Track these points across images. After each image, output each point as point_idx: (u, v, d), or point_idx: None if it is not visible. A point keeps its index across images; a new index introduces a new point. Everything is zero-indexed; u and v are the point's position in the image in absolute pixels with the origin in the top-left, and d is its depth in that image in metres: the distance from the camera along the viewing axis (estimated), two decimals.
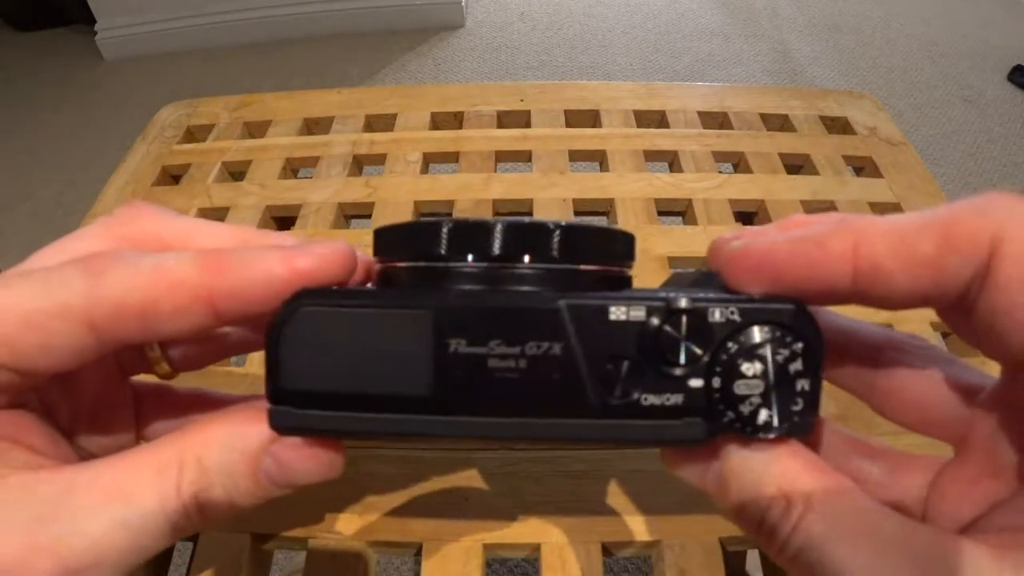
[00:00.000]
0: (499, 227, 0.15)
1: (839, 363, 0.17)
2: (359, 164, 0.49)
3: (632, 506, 0.28)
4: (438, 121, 0.52)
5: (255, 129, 0.52)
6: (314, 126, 0.53)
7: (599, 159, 0.49)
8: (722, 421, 0.14)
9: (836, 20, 1.99)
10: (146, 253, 0.15)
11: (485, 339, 0.14)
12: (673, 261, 0.40)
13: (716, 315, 0.14)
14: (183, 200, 0.45)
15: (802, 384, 0.14)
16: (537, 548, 0.27)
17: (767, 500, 0.13)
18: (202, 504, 0.14)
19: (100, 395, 0.19)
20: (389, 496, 0.29)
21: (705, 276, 0.17)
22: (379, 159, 0.48)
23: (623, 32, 1.95)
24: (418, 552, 0.27)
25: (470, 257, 0.15)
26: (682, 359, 0.14)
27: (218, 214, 0.45)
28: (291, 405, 0.14)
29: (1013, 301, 0.12)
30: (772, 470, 0.13)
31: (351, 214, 0.45)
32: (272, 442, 0.15)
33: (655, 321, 0.14)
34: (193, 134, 0.53)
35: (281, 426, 0.15)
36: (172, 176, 0.49)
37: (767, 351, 0.14)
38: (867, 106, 0.52)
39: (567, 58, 1.84)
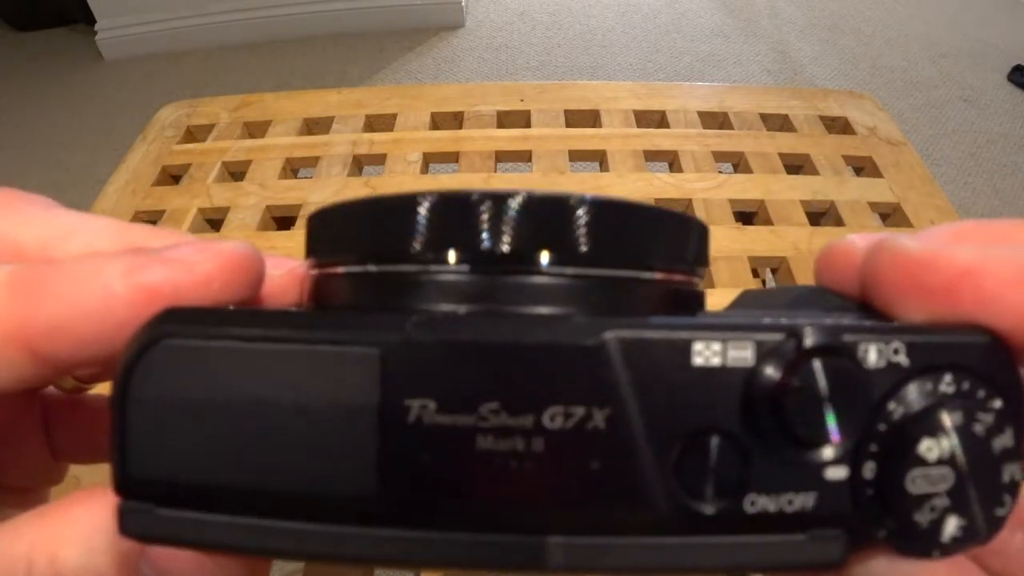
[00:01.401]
0: (501, 204, 0.09)
1: None
2: (359, 164, 0.49)
3: None
4: (438, 121, 0.52)
5: (255, 129, 0.52)
6: (314, 126, 0.53)
7: (599, 159, 0.49)
8: (876, 535, 0.09)
9: (836, 20, 1.99)
10: None
11: (471, 402, 0.08)
12: None
13: (872, 356, 0.08)
14: (183, 200, 0.45)
15: (1011, 472, 0.08)
16: None
17: None
18: None
19: (5, 420, 0.15)
20: None
21: (807, 294, 0.11)
22: (379, 159, 0.48)
23: (623, 32, 1.95)
24: None
25: (451, 256, 0.09)
26: (826, 433, 0.08)
27: (218, 214, 0.45)
28: (148, 500, 0.09)
29: None
30: None
31: None
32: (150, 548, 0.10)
33: (771, 370, 0.08)
34: (193, 134, 0.53)
35: (133, 533, 0.09)
36: (172, 176, 0.49)
37: (961, 420, 0.08)
38: (867, 106, 0.52)
39: (567, 58, 1.84)
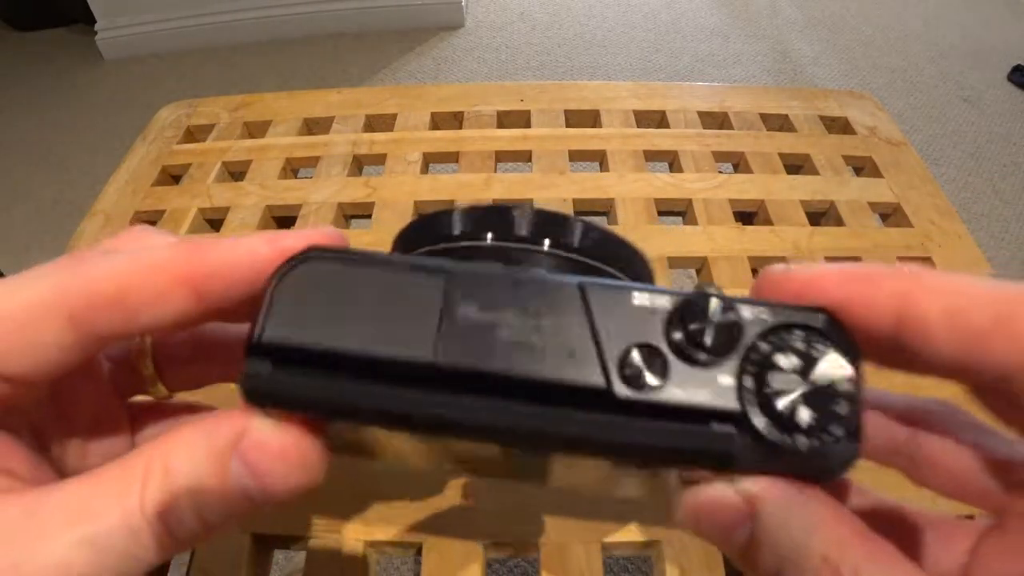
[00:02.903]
0: (525, 213, 0.15)
1: (877, 437, 0.16)
2: (359, 164, 0.49)
3: (632, 506, 0.28)
4: (438, 121, 0.52)
5: (255, 129, 0.52)
6: (314, 126, 0.53)
7: (599, 159, 0.49)
8: (757, 428, 0.12)
9: (836, 20, 1.99)
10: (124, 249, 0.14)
11: (497, 308, 0.13)
12: (673, 261, 0.40)
13: (746, 313, 0.13)
14: (183, 200, 0.45)
15: (843, 386, 0.12)
16: (537, 548, 0.27)
17: (811, 569, 0.12)
18: (169, 522, 0.13)
19: (95, 417, 0.18)
20: (389, 496, 0.29)
21: None
22: (379, 159, 0.48)
23: (623, 32, 1.95)
24: (418, 552, 0.27)
25: (489, 236, 0.15)
26: (710, 341, 0.12)
27: (218, 214, 0.45)
28: (269, 361, 0.13)
29: None
30: (816, 536, 0.12)
31: (351, 214, 0.45)
32: (239, 439, 0.13)
33: (682, 309, 0.13)
34: (193, 134, 0.53)
35: (251, 387, 0.13)
36: (172, 176, 0.49)
37: (804, 348, 0.12)
38: (867, 106, 0.52)
39: (567, 58, 1.84)
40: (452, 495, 0.29)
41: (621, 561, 0.86)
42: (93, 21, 1.93)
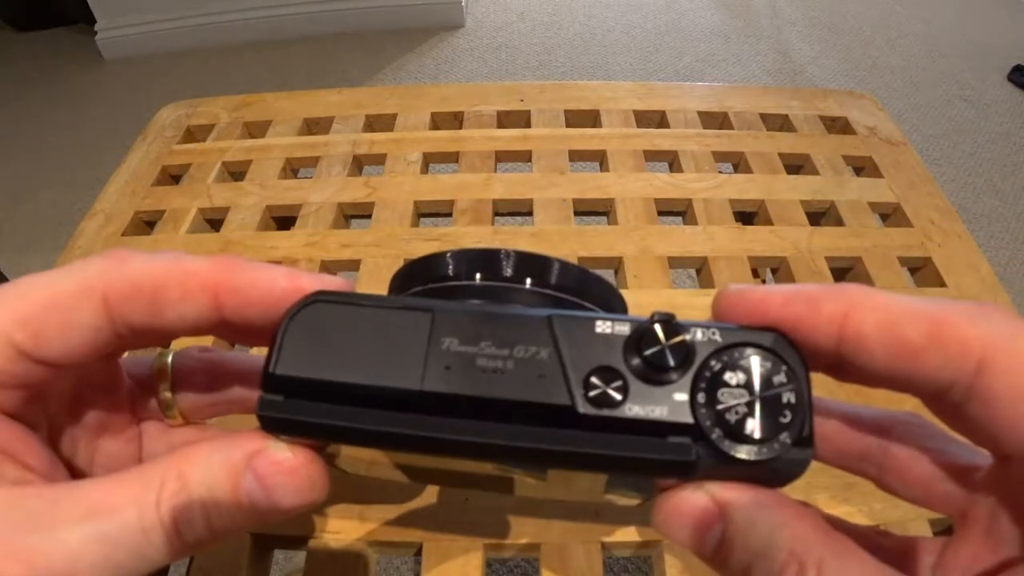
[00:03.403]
0: (509, 256, 0.17)
1: (848, 447, 0.17)
2: (359, 164, 0.49)
3: (632, 507, 0.28)
4: (438, 121, 0.52)
5: (255, 129, 0.52)
6: (314, 126, 0.53)
7: (599, 159, 0.49)
8: (710, 439, 0.13)
9: (836, 20, 1.99)
10: (165, 251, 0.16)
11: (476, 340, 0.14)
12: (673, 261, 0.40)
13: (699, 335, 0.14)
14: (183, 200, 0.45)
15: (788, 398, 0.14)
16: (537, 548, 0.27)
17: (779, 564, 0.13)
18: (180, 524, 0.14)
19: (109, 429, 0.19)
20: (389, 496, 0.29)
21: None
22: (379, 159, 0.48)
23: (623, 32, 1.95)
24: (418, 552, 0.27)
25: (478, 276, 0.17)
26: (668, 362, 0.14)
27: (218, 214, 0.45)
28: (282, 394, 0.14)
29: (1002, 413, 0.12)
30: (783, 533, 0.13)
31: (351, 214, 0.45)
32: (255, 456, 0.14)
33: (639, 334, 0.14)
34: (193, 134, 0.53)
35: (267, 414, 0.14)
36: (172, 176, 0.49)
37: (750, 365, 0.14)
38: (867, 106, 0.52)
39: (567, 58, 1.84)
40: (452, 495, 0.29)
41: (621, 561, 0.86)
42: (93, 21, 1.93)
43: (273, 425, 0.15)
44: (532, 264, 0.18)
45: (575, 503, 0.28)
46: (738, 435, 0.13)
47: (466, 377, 0.14)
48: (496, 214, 0.44)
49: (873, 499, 0.27)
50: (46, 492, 0.14)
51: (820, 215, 0.45)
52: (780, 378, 0.14)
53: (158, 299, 0.15)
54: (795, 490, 0.28)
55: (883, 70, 1.77)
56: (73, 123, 1.74)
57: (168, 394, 0.20)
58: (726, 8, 2.05)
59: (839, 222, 0.43)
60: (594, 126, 0.51)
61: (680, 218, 0.45)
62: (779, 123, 0.51)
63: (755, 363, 0.14)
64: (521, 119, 0.52)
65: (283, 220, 0.45)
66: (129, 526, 0.13)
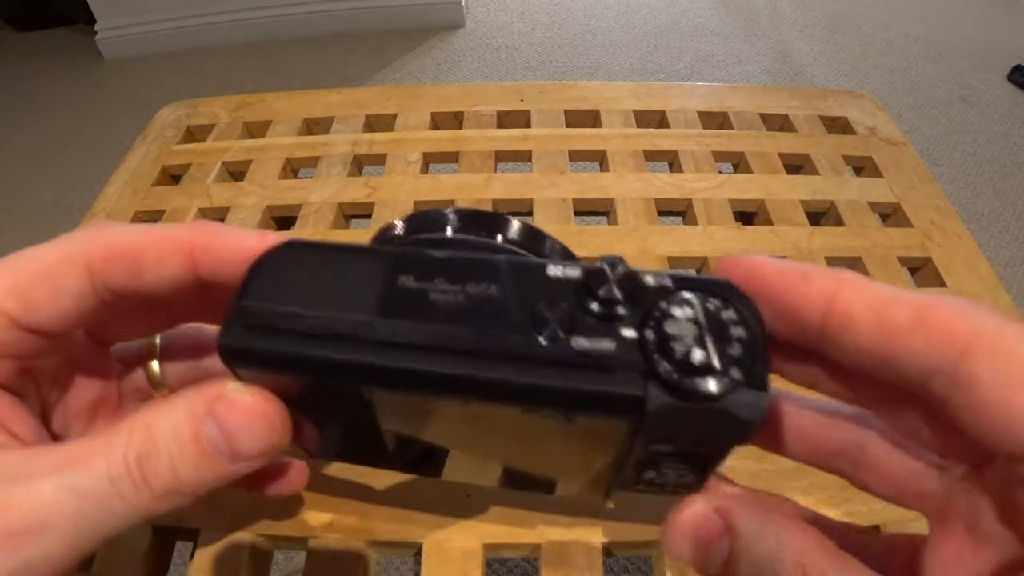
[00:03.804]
0: (458, 213, 0.18)
1: (822, 443, 0.17)
2: (359, 164, 0.49)
3: (632, 506, 0.28)
4: (438, 121, 0.52)
5: (255, 129, 0.52)
6: (314, 126, 0.53)
7: (599, 159, 0.49)
8: (659, 373, 0.13)
9: (836, 20, 1.99)
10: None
11: (430, 278, 0.15)
12: (673, 261, 0.40)
13: (649, 279, 0.15)
14: (183, 200, 0.45)
15: (738, 333, 0.14)
16: (537, 548, 0.27)
17: (785, 573, 0.13)
18: (146, 472, 0.14)
19: (98, 408, 0.20)
20: (389, 496, 0.29)
21: None
22: (379, 159, 0.48)
23: (623, 32, 1.95)
24: (418, 552, 0.27)
25: (448, 231, 0.18)
26: (615, 295, 0.14)
27: (218, 214, 0.45)
28: (243, 325, 0.15)
29: (984, 399, 0.12)
30: (788, 545, 0.14)
31: (351, 214, 0.45)
32: (215, 401, 0.15)
33: (589, 277, 0.14)
34: (193, 134, 0.53)
35: (229, 344, 0.15)
36: (172, 176, 0.49)
37: (698, 302, 0.14)
38: (867, 106, 0.52)
39: (567, 58, 1.84)
40: (452, 495, 0.29)
41: (621, 561, 0.86)
42: (93, 21, 1.93)
43: (232, 355, 0.15)
44: (494, 221, 0.19)
45: (575, 503, 0.28)
46: (686, 366, 0.13)
47: (418, 309, 0.14)
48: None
49: (872, 500, 0.27)
50: (23, 452, 0.15)
51: (820, 215, 0.45)
52: (729, 315, 0.14)
53: (136, 261, 0.16)
54: (795, 491, 0.28)
55: (883, 70, 1.77)
56: (73, 123, 1.74)
57: (156, 368, 0.21)
58: (726, 8, 2.05)
59: (839, 222, 0.43)
60: (594, 126, 0.51)
61: (680, 218, 0.45)
62: (779, 123, 0.51)
63: (704, 301, 0.14)
64: (521, 119, 0.52)
65: (283, 220, 0.45)
66: (97, 476, 0.14)
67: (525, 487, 0.23)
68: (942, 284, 0.39)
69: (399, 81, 1.77)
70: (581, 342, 0.14)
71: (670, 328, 0.14)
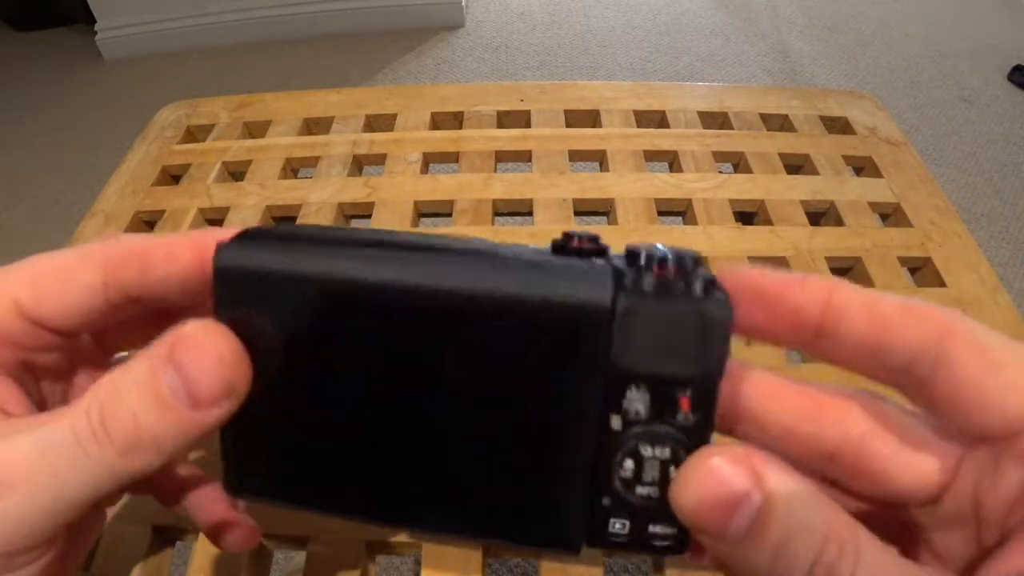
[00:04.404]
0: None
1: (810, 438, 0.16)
2: (359, 164, 0.49)
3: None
4: (438, 121, 0.52)
5: (255, 129, 0.52)
6: (314, 126, 0.53)
7: (599, 159, 0.49)
8: (621, 282, 0.14)
9: (836, 20, 1.99)
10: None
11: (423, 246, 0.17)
12: None
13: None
14: (183, 200, 0.45)
15: (703, 272, 0.14)
16: None
17: (817, 543, 0.12)
18: (107, 423, 0.14)
19: None
20: None
21: None
22: (379, 159, 0.48)
23: (623, 32, 1.95)
24: (418, 552, 0.27)
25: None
26: (587, 245, 0.15)
27: (218, 214, 0.45)
28: (234, 245, 0.16)
29: (964, 376, 0.13)
30: (821, 513, 0.13)
31: (351, 214, 0.45)
32: (175, 344, 0.15)
33: (563, 238, 0.16)
34: (193, 134, 0.53)
35: (224, 261, 0.16)
36: (172, 176, 0.49)
37: (667, 249, 0.15)
38: (867, 106, 0.52)
39: (567, 58, 1.84)
40: None
41: (621, 561, 0.86)
42: (93, 21, 1.93)
43: (227, 277, 0.16)
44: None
45: None
46: (646, 265, 0.14)
47: (411, 239, 0.16)
48: (496, 214, 0.44)
49: None
50: (8, 420, 0.15)
51: (820, 215, 0.45)
52: (691, 252, 0.15)
53: (147, 258, 0.17)
54: None
55: (883, 70, 1.77)
56: (73, 123, 1.74)
57: None
58: (726, 8, 2.05)
59: (839, 222, 0.43)
60: (594, 126, 0.51)
61: (680, 218, 0.45)
62: (779, 123, 0.51)
63: (672, 250, 0.15)
64: (521, 119, 0.52)
65: (283, 220, 0.45)
66: (63, 429, 0.14)
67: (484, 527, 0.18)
68: (942, 284, 0.39)
69: (399, 81, 1.77)
70: (555, 261, 0.15)
71: (642, 259, 0.14)
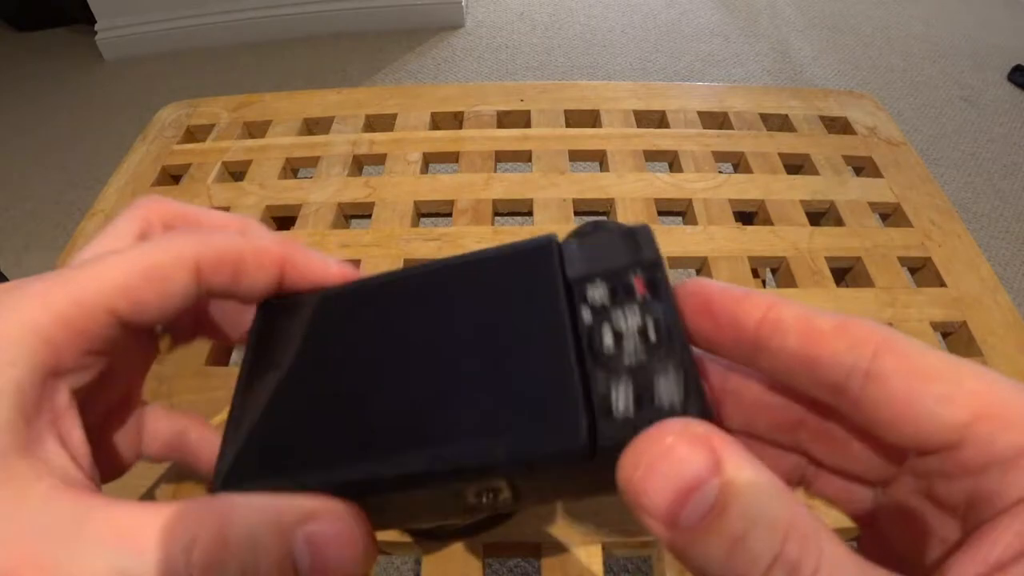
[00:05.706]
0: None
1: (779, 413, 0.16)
2: (359, 164, 0.49)
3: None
4: (438, 121, 0.52)
5: (255, 129, 0.52)
6: (314, 126, 0.53)
7: (599, 159, 0.49)
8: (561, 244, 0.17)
9: (836, 20, 1.99)
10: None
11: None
12: (673, 261, 0.40)
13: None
14: (183, 200, 0.45)
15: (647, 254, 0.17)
16: (537, 548, 0.27)
17: (780, 535, 0.11)
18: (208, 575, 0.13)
19: (126, 398, 0.21)
20: None
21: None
22: (379, 159, 0.48)
23: (623, 32, 1.95)
24: (418, 553, 0.27)
25: None
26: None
27: None
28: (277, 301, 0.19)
29: (893, 390, 0.13)
30: (782, 503, 0.11)
31: (351, 214, 0.45)
32: (310, 518, 0.14)
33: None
34: (193, 134, 0.53)
35: (267, 304, 0.19)
36: (172, 176, 0.49)
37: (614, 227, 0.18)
38: (867, 106, 0.52)
39: (567, 58, 1.84)
40: None
41: (621, 561, 0.86)
42: (93, 21, 1.93)
43: (269, 311, 0.19)
44: None
45: (575, 503, 0.28)
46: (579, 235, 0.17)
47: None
48: (496, 214, 0.44)
49: None
50: (80, 501, 0.14)
51: (820, 215, 0.45)
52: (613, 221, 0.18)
53: (238, 269, 0.18)
54: None
55: (883, 70, 1.77)
56: (73, 123, 1.74)
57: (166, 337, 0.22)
58: (726, 8, 2.05)
59: (839, 222, 0.43)
60: (594, 126, 0.51)
61: (680, 218, 0.45)
62: (779, 123, 0.51)
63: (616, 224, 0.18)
64: (521, 119, 0.52)
65: (283, 220, 0.45)
66: (150, 564, 0.13)
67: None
68: (942, 284, 0.39)
69: (399, 81, 1.77)
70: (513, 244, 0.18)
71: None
